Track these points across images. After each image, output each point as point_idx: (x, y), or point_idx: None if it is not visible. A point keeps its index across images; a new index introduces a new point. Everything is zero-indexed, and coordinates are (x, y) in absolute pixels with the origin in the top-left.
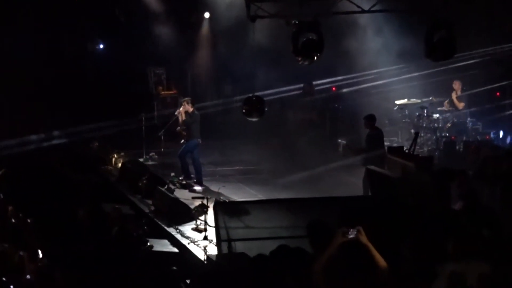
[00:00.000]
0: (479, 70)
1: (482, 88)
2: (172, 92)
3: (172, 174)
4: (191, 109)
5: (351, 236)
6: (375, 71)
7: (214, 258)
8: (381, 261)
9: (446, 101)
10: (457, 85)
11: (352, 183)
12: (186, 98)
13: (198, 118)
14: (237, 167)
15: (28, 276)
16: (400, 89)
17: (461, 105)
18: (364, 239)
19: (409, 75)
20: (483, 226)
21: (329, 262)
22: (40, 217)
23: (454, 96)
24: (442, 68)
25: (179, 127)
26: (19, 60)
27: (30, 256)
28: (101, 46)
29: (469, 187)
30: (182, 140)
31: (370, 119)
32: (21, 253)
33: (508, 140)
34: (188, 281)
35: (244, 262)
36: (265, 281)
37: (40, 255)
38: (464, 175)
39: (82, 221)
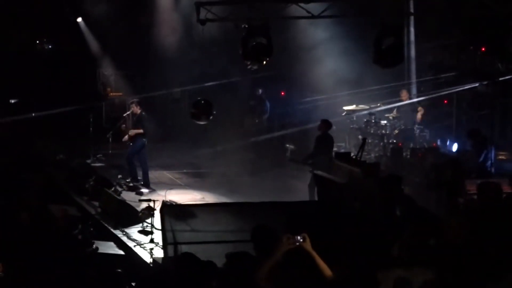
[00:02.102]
0: (427, 77)
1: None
2: (120, 93)
3: (120, 176)
4: (138, 111)
5: (296, 244)
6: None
7: (160, 261)
8: (326, 270)
9: (395, 109)
10: (404, 95)
11: (299, 188)
12: (134, 100)
13: (145, 119)
14: (185, 170)
15: None
16: (348, 95)
17: (421, 111)
18: (308, 247)
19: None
20: (426, 233)
21: (273, 269)
22: None
23: (419, 116)
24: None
25: (124, 125)
26: None
27: None
28: (50, 46)
29: (403, 192)
30: (130, 143)
31: (326, 123)
32: None
33: (454, 147)
34: (133, 284)
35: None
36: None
37: None
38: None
39: (24, 223)
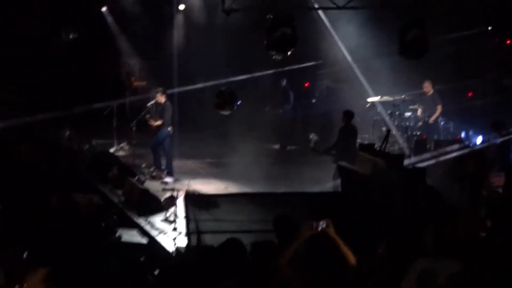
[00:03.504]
0: (451, 69)
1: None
2: (143, 83)
3: (143, 165)
4: (163, 100)
5: (319, 229)
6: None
7: (183, 250)
8: (350, 257)
9: (420, 109)
10: (427, 86)
11: (322, 179)
12: (159, 89)
13: (170, 109)
14: (208, 160)
15: None
16: (373, 86)
17: (438, 110)
18: (332, 232)
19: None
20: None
21: (296, 255)
22: (9, 204)
23: (433, 117)
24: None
25: (148, 115)
26: None
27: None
28: (74, 35)
29: (430, 186)
30: (156, 131)
31: (349, 114)
32: None
33: (478, 140)
34: (156, 273)
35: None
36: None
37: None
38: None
39: (54, 209)
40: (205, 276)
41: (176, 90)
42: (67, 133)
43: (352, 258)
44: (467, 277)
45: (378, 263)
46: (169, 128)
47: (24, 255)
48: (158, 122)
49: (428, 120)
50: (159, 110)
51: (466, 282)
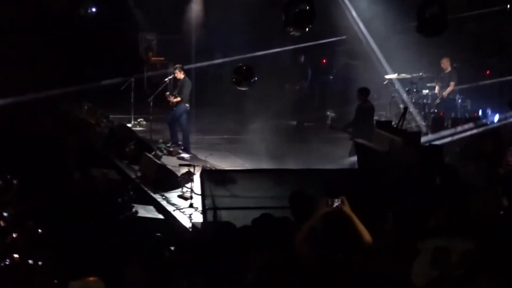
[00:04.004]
0: (470, 47)
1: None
2: (162, 58)
3: (160, 140)
4: (182, 76)
5: (334, 206)
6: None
7: (199, 226)
8: (366, 235)
9: (438, 87)
10: (445, 63)
11: (339, 156)
12: (177, 65)
13: (189, 85)
14: (225, 136)
15: (14, 235)
16: (390, 63)
17: (451, 87)
18: (347, 209)
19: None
20: (466, 203)
21: (312, 231)
22: (28, 178)
23: (446, 92)
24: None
25: (168, 93)
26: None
27: (15, 217)
28: (93, 9)
29: (447, 163)
30: (173, 107)
31: (364, 91)
32: (5, 214)
33: (495, 118)
34: (172, 248)
35: (229, 231)
36: (248, 250)
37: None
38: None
39: (77, 184)
40: (224, 252)
41: (193, 65)
42: (86, 107)
43: (367, 236)
44: (481, 254)
45: (386, 241)
46: (187, 105)
47: (39, 231)
48: (178, 99)
49: (445, 98)
50: (178, 86)
51: (479, 259)
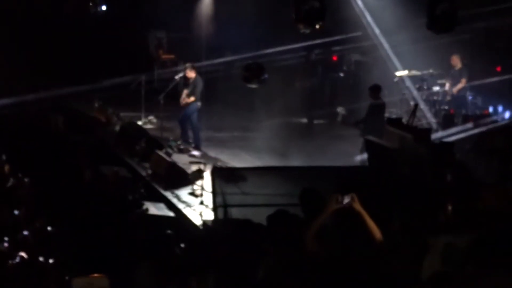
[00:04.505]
0: (480, 44)
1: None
2: (172, 56)
3: (171, 138)
4: (194, 75)
5: (345, 202)
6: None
7: (209, 224)
8: (376, 232)
9: (448, 84)
10: (455, 60)
11: (349, 153)
12: (188, 64)
13: (201, 84)
14: (236, 133)
15: (25, 233)
16: (401, 60)
17: (461, 83)
18: (358, 206)
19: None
20: (475, 199)
21: (322, 228)
22: (39, 177)
23: (455, 89)
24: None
25: (185, 91)
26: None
27: (26, 215)
28: (103, 7)
29: (458, 160)
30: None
31: (375, 89)
32: (16, 212)
33: (506, 115)
34: (182, 246)
35: (239, 228)
36: (258, 247)
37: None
38: None
39: (87, 182)
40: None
41: (204, 63)
42: (97, 105)
43: (377, 233)
44: (491, 250)
45: (397, 238)
46: (198, 103)
47: (49, 228)
48: (192, 98)
49: (456, 95)
50: (190, 85)
51: (490, 255)
